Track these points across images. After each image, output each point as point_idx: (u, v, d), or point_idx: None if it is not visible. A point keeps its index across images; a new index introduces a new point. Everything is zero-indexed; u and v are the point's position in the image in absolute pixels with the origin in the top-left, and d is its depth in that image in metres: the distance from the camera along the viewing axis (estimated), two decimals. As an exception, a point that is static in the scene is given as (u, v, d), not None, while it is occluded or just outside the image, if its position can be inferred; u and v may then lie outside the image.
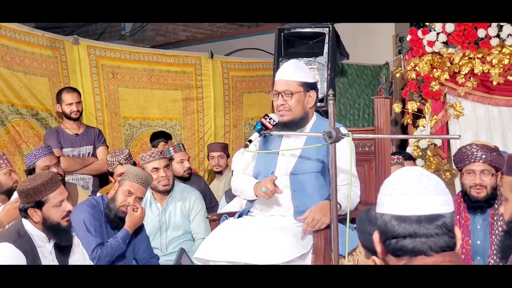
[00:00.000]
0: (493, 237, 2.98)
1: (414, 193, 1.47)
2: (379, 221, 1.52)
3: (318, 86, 3.33)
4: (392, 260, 1.52)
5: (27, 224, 2.70)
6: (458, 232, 1.51)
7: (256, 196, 2.93)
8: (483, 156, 3.02)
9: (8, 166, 3.62)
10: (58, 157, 4.05)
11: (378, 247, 1.55)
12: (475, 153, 3.04)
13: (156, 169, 3.84)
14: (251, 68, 6.22)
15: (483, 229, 3.02)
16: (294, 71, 2.95)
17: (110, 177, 4.16)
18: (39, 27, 4.98)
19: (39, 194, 2.68)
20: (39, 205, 2.68)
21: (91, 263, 3.03)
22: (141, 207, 3.34)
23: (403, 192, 1.48)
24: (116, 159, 4.00)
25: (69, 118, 4.50)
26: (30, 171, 3.71)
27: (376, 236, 1.55)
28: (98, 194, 4.07)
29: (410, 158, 4.31)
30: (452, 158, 3.12)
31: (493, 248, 2.97)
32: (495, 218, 3.02)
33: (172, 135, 5.32)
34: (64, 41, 4.85)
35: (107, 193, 3.58)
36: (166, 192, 3.93)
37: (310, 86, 2.97)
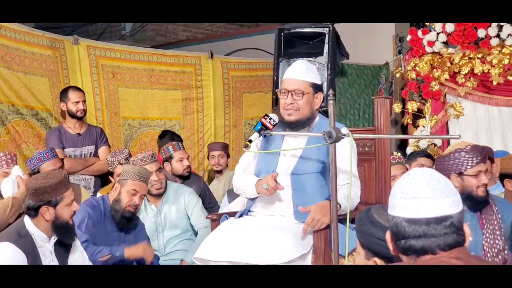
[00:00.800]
0: (484, 231, 3.01)
1: (423, 196, 1.54)
2: (391, 223, 1.60)
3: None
4: (404, 258, 1.59)
5: (28, 224, 2.70)
6: (467, 228, 1.58)
7: (258, 193, 2.93)
8: (484, 158, 3.06)
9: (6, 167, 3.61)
10: (62, 160, 4.05)
11: (390, 246, 1.62)
12: (479, 155, 3.06)
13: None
14: (251, 68, 6.21)
15: (472, 226, 3.04)
16: (306, 72, 2.95)
17: (110, 177, 4.16)
18: (39, 27, 4.97)
19: (56, 192, 2.69)
20: (54, 203, 2.69)
21: (91, 263, 3.04)
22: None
23: (413, 196, 1.55)
24: (116, 159, 4.00)
25: (73, 116, 4.49)
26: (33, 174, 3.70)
27: (388, 236, 1.63)
28: (98, 194, 4.07)
29: (429, 156, 4.27)
30: (444, 164, 3.11)
31: (486, 242, 3.00)
32: (483, 212, 3.05)
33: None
34: (64, 41, 4.84)
35: (107, 194, 3.58)
36: (160, 195, 3.94)
37: (319, 88, 2.99)
